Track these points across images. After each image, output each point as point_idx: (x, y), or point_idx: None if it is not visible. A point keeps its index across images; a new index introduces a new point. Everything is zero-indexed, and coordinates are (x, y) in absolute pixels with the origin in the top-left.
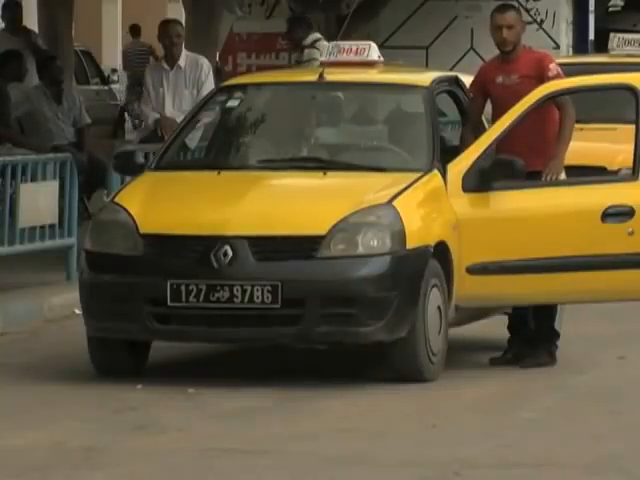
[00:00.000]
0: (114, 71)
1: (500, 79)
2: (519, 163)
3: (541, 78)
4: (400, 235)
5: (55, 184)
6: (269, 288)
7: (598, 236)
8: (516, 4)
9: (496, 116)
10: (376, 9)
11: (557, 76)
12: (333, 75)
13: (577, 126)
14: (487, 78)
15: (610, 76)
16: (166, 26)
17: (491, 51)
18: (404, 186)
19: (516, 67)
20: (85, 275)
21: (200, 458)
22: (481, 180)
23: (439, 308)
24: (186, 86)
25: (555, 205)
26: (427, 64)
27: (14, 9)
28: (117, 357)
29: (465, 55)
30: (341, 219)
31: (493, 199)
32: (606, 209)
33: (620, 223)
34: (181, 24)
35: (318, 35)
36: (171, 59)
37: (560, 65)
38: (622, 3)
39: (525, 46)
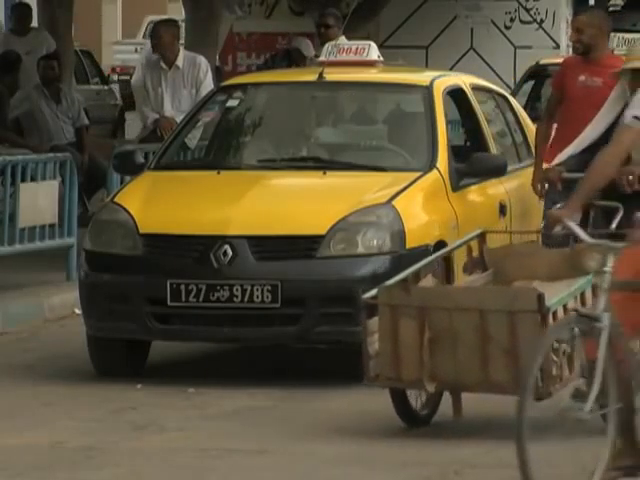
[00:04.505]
0: (114, 70)
1: (582, 78)
2: (499, 158)
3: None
4: (400, 235)
5: (55, 184)
6: (269, 288)
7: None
8: (516, 4)
9: (569, 114)
10: (376, 9)
11: None
12: (333, 75)
13: None
14: (568, 73)
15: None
16: (155, 27)
17: (491, 51)
18: (404, 186)
19: (602, 71)
20: (85, 275)
21: (200, 458)
22: (457, 178)
23: None
24: (184, 86)
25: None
26: (427, 64)
27: (23, 11)
28: (117, 357)
29: (465, 55)
30: (341, 219)
31: (465, 196)
32: (499, 204)
33: (504, 218)
34: (176, 23)
35: (344, 38)
36: (167, 59)
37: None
38: (622, 3)
39: (613, 52)
